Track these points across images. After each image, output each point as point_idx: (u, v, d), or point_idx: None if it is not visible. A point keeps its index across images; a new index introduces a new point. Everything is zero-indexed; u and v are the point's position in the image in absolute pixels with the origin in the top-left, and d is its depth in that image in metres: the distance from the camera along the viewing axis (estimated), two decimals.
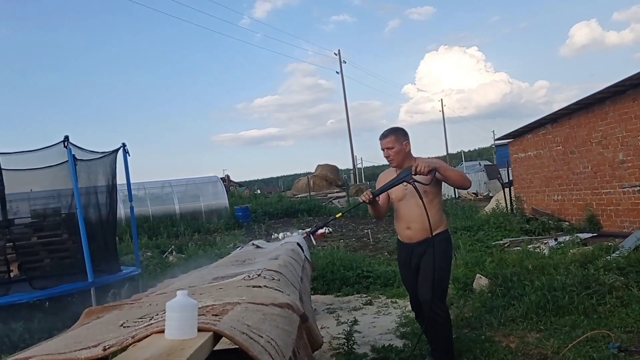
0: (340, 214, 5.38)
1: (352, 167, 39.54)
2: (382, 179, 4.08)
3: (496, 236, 10.62)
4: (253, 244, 6.32)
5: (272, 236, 8.00)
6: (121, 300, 6.09)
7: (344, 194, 28.39)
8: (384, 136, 4.00)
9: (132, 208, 8.36)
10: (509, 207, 13.77)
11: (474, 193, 28.74)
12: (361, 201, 4.04)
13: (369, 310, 6.35)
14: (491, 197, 18.70)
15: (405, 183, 3.77)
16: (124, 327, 1.91)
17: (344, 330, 4.86)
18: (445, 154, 56.99)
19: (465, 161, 50.94)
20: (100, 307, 2.56)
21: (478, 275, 6.42)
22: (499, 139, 15.65)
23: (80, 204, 6.65)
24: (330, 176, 37.86)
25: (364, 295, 7.21)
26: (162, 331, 1.53)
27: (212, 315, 1.78)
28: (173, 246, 13.63)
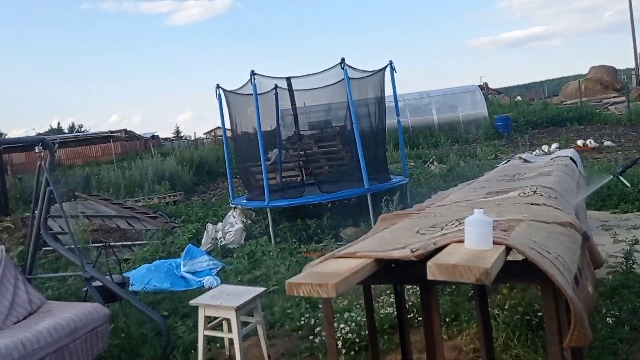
0: None
1: (634, 67, 33.86)
2: None
3: None
4: (520, 158, 6.22)
5: (538, 150, 7.69)
6: (394, 207, 6.76)
7: (623, 98, 24.73)
8: None
9: (399, 122, 8.91)
10: None
11: None
12: None
13: None
14: None
15: None
16: (419, 233, 2.25)
17: (623, 249, 4.60)
18: None
19: None
20: (391, 214, 2.99)
21: None
22: None
23: (357, 118, 7.37)
24: (605, 79, 33.15)
25: None
26: (461, 241, 1.79)
27: (501, 230, 1.97)
28: (434, 156, 14.09)
